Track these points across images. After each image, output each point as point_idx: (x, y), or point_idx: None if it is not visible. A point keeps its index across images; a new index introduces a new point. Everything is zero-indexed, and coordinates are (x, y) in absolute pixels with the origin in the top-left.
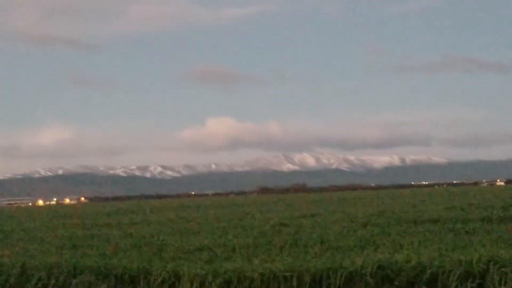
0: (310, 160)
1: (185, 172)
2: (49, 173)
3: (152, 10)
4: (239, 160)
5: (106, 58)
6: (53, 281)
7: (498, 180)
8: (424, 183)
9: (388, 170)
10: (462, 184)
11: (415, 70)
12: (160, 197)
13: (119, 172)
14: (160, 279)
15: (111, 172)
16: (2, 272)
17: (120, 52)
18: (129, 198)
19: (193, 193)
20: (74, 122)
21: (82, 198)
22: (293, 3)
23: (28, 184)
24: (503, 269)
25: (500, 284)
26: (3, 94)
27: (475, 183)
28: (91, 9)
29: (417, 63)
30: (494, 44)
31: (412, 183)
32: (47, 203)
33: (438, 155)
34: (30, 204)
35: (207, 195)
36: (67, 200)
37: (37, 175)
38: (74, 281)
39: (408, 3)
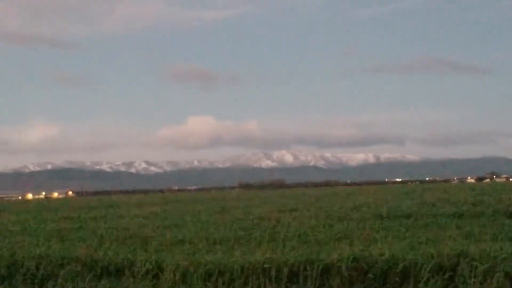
0: (288, 157)
1: (168, 168)
2: (38, 168)
3: (134, 11)
4: (220, 157)
5: (88, 57)
6: (41, 271)
7: (469, 178)
8: (397, 180)
9: (363, 167)
10: (434, 181)
11: (390, 71)
12: (144, 192)
13: (105, 167)
14: (144, 270)
15: (97, 167)
16: None
17: (103, 51)
18: (114, 192)
19: (176, 188)
20: (59, 118)
21: (70, 192)
22: (271, 4)
23: (18, 178)
24: (473, 263)
25: (470, 277)
26: None
27: (447, 180)
28: (73, 9)
29: (392, 64)
30: (468, 47)
31: (386, 180)
32: (36, 197)
33: (411, 154)
34: (20, 198)
35: (189, 190)
36: (55, 194)
37: (26, 170)
38: (61, 272)
39: (384, 5)
